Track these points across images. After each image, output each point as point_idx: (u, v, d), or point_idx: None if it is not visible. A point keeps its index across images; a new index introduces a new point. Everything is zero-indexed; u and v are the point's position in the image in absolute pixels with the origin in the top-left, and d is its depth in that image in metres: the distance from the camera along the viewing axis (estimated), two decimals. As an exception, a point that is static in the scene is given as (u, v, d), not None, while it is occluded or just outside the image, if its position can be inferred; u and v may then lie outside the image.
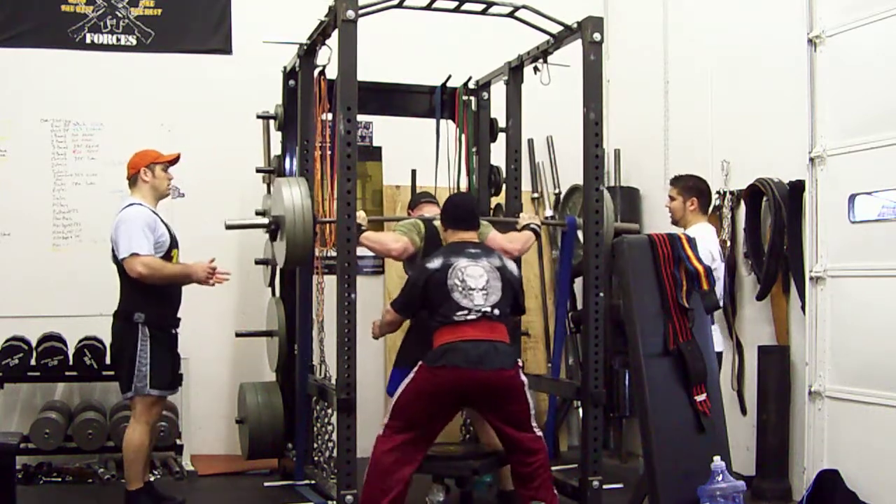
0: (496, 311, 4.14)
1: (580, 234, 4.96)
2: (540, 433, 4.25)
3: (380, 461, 4.08)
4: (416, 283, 4.25)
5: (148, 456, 4.83)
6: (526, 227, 4.83)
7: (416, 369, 4.11)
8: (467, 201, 4.68)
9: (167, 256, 4.68)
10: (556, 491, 4.31)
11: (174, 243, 4.75)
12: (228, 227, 4.72)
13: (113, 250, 4.65)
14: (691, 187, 5.01)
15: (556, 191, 6.75)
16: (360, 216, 4.37)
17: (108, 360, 5.51)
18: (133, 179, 4.75)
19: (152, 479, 5.05)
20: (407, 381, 4.12)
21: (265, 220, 4.75)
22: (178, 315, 4.82)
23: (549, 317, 6.57)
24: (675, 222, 5.08)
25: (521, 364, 4.18)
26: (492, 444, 4.54)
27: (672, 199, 5.05)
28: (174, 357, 4.76)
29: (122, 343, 4.65)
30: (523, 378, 4.18)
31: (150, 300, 4.60)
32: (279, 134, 5.59)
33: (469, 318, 4.08)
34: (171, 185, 4.87)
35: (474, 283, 4.14)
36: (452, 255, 4.22)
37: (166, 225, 4.73)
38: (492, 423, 4.27)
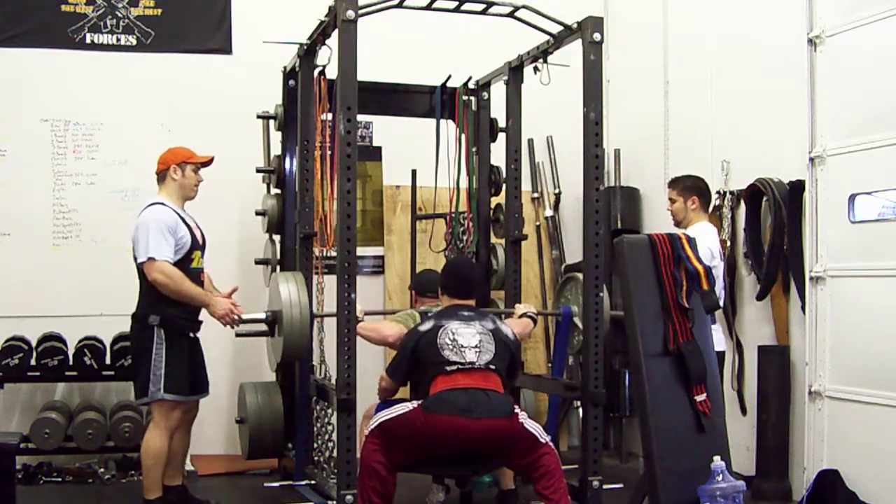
0: (491, 367, 4.10)
1: (577, 320, 4.87)
2: (544, 440, 4.09)
3: (367, 461, 4.04)
4: (406, 345, 4.22)
5: (182, 460, 4.77)
6: (524, 315, 4.79)
7: (413, 405, 4.03)
8: (469, 270, 4.58)
9: (188, 258, 4.57)
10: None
11: (196, 245, 4.63)
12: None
13: (133, 251, 4.55)
14: (690, 186, 5.03)
15: (556, 191, 6.76)
16: (358, 309, 4.30)
17: (107, 360, 5.52)
18: (162, 176, 4.67)
19: (183, 482, 4.85)
20: (403, 409, 4.03)
21: (262, 316, 4.64)
22: (200, 318, 4.70)
23: (548, 317, 6.56)
24: (677, 223, 5.08)
25: (518, 411, 4.07)
26: None
27: (673, 201, 5.06)
28: (193, 361, 4.63)
29: (138, 346, 4.55)
30: (521, 419, 4.03)
31: (167, 302, 4.49)
32: (279, 134, 5.59)
33: (463, 368, 4.04)
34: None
35: (466, 341, 4.11)
36: (444, 318, 4.21)
37: (189, 226, 4.62)
38: (503, 460, 4.21)
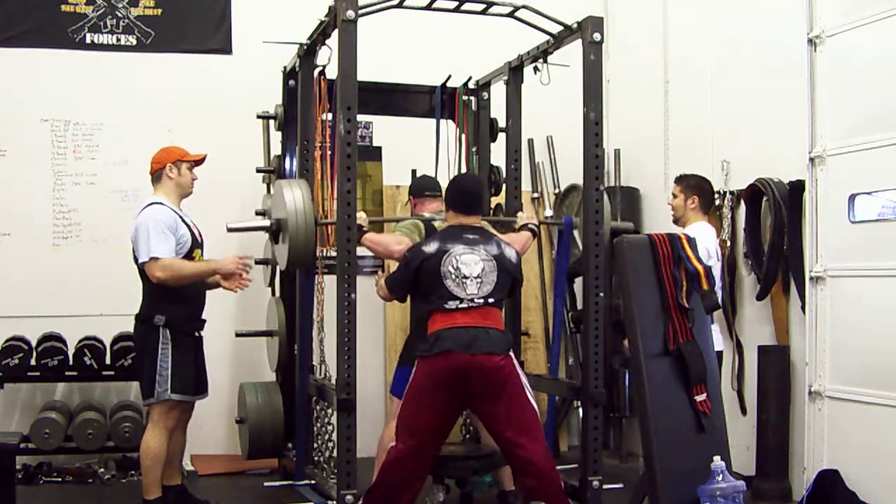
0: (490, 300, 4.13)
1: (576, 233, 4.97)
2: (550, 461, 4.14)
3: (389, 472, 4.07)
4: (409, 263, 4.20)
5: (180, 460, 4.76)
6: (524, 226, 4.80)
7: (414, 368, 4.12)
8: (474, 186, 4.52)
9: (188, 257, 4.56)
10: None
11: (196, 243, 4.63)
12: (230, 230, 4.69)
13: (133, 252, 4.54)
14: (693, 185, 5.05)
15: (556, 191, 6.75)
16: (361, 217, 4.34)
17: (107, 360, 5.51)
18: (157, 175, 4.63)
19: (182, 482, 4.83)
20: (408, 383, 4.13)
21: (267, 222, 4.73)
22: (203, 317, 4.71)
23: (548, 317, 6.57)
24: (675, 220, 5.10)
25: (513, 357, 4.14)
26: (491, 443, 4.53)
27: (674, 196, 5.09)
28: (197, 361, 4.63)
29: (143, 347, 4.53)
30: (520, 372, 4.13)
31: (171, 302, 4.48)
32: (279, 134, 5.59)
33: (461, 306, 4.07)
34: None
35: (469, 270, 4.10)
36: (449, 241, 4.17)
37: (188, 225, 4.62)
38: (492, 427, 4.22)
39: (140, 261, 4.46)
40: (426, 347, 4.05)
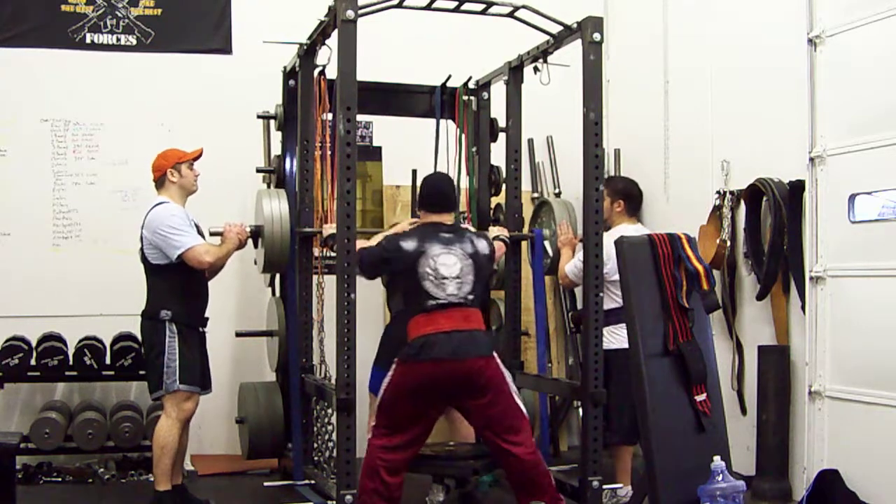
0: (470, 297, 4.16)
1: (546, 243, 5.32)
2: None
3: (371, 463, 4.10)
4: (385, 249, 4.23)
5: (182, 459, 4.78)
6: (496, 238, 4.86)
7: (393, 367, 4.13)
8: (443, 186, 4.51)
9: None
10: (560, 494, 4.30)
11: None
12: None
13: (143, 250, 4.62)
14: (619, 190, 5.15)
15: (557, 190, 6.75)
16: (332, 227, 4.36)
17: (107, 360, 5.51)
18: (160, 182, 4.73)
19: (182, 481, 4.86)
20: (386, 380, 4.14)
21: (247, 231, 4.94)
22: (206, 315, 4.79)
23: (548, 316, 6.56)
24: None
25: (496, 356, 4.19)
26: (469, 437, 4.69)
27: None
28: (203, 355, 4.71)
29: (151, 341, 4.61)
30: (504, 371, 4.18)
31: (177, 297, 4.58)
32: (279, 134, 5.59)
33: (441, 304, 4.09)
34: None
35: (447, 271, 4.13)
36: (426, 241, 4.18)
37: (197, 224, 4.73)
38: (477, 424, 4.26)
39: (176, 255, 4.52)
40: (412, 352, 4.05)
